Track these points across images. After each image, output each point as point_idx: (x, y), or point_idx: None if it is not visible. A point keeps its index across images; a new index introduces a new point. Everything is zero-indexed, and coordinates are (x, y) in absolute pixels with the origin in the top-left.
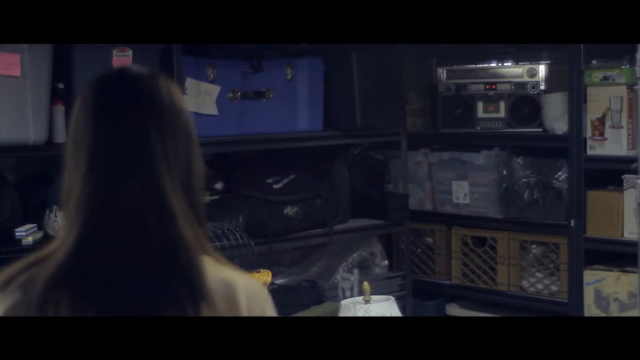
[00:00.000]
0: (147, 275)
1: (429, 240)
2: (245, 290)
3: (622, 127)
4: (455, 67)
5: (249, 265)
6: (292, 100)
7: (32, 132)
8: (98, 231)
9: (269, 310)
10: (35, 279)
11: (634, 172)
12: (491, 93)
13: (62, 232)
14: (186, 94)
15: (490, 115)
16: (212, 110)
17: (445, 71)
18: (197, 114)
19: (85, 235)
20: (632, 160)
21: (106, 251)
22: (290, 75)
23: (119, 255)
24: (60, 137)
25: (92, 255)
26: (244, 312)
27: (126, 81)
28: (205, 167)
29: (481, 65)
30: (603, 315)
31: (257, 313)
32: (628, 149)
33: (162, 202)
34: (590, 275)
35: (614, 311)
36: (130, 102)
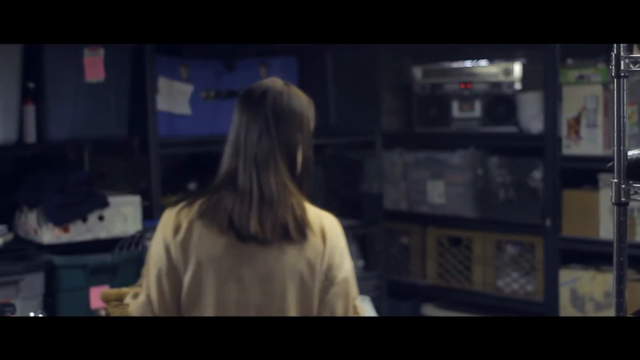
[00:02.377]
0: (266, 208)
1: (404, 240)
2: (328, 223)
3: (597, 126)
4: (430, 66)
5: None
6: None
7: (1, 133)
8: (231, 177)
9: (342, 241)
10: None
11: (610, 171)
12: (466, 92)
13: (222, 175)
14: (158, 93)
15: (466, 114)
16: (185, 109)
17: (420, 70)
18: (169, 114)
19: (230, 177)
20: (607, 159)
21: (243, 181)
22: (264, 74)
23: (253, 192)
24: (30, 137)
25: (238, 182)
26: (327, 240)
27: (259, 90)
28: (309, 152)
29: (456, 65)
30: (579, 314)
31: (336, 242)
32: (604, 148)
33: (275, 165)
34: (565, 275)
35: (590, 311)
36: (260, 105)
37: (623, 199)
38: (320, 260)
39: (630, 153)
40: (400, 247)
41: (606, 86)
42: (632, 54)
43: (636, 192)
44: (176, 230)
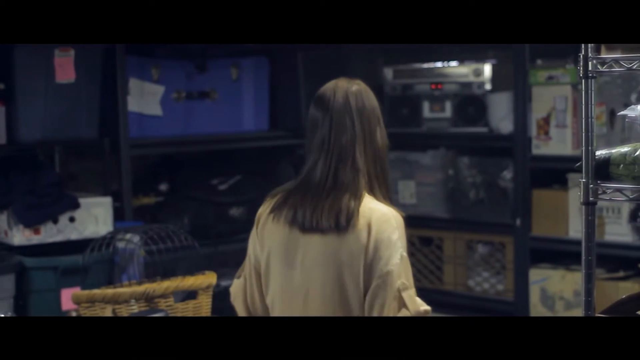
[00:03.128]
0: (331, 200)
1: None
2: (377, 217)
3: (566, 127)
4: (401, 67)
5: (194, 267)
6: (238, 101)
7: None
8: (307, 173)
9: (394, 235)
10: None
11: (579, 171)
12: (437, 93)
13: (305, 171)
14: (129, 94)
15: (436, 115)
16: (156, 110)
17: (391, 71)
18: (140, 115)
19: (302, 176)
20: (576, 159)
21: (310, 180)
22: (235, 75)
23: (320, 179)
24: (0, 138)
25: (305, 181)
26: (373, 233)
27: (341, 91)
28: (385, 141)
29: (427, 65)
30: (549, 313)
31: (383, 236)
32: (573, 148)
33: (354, 157)
34: (535, 274)
35: (560, 309)
36: (344, 105)
37: (591, 199)
38: (364, 252)
39: (598, 153)
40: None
41: (575, 87)
42: (599, 54)
43: (604, 192)
44: (257, 222)
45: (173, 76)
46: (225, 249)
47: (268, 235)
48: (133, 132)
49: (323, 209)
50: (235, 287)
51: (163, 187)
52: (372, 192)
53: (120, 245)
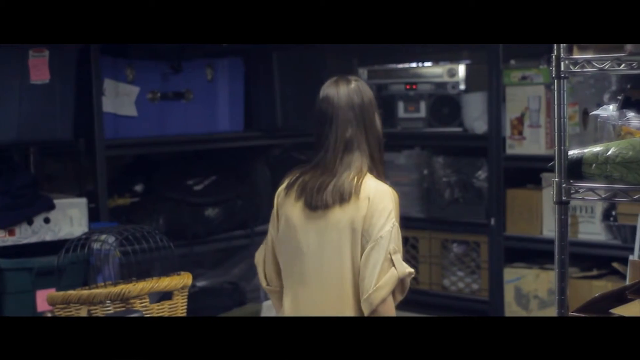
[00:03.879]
0: (336, 181)
1: None
2: (376, 191)
3: (540, 127)
4: (376, 67)
5: (169, 267)
6: (213, 101)
7: None
8: (319, 157)
9: (388, 207)
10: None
11: (552, 170)
12: (412, 93)
13: (317, 157)
14: (104, 94)
15: (411, 115)
16: (131, 111)
17: (366, 71)
18: (115, 115)
19: (315, 159)
20: (550, 158)
21: (321, 163)
22: (210, 75)
23: (328, 163)
24: None
25: (317, 165)
26: (371, 204)
27: (344, 86)
28: (381, 126)
29: (402, 66)
30: (523, 312)
31: (379, 207)
32: (546, 148)
33: (359, 144)
34: (510, 273)
35: (534, 308)
36: (348, 98)
37: (564, 198)
38: (362, 220)
39: (570, 153)
40: None
41: (548, 87)
42: (572, 55)
43: (577, 191)
44: (277, 197)
45: (148, 77)
46: (200, 249)
47: (283, 209)
48: (108, 133)
49: (327, 188)
50: (258, 254)
51: (138, 187)
52: (372, 172)
53: (96, 246)
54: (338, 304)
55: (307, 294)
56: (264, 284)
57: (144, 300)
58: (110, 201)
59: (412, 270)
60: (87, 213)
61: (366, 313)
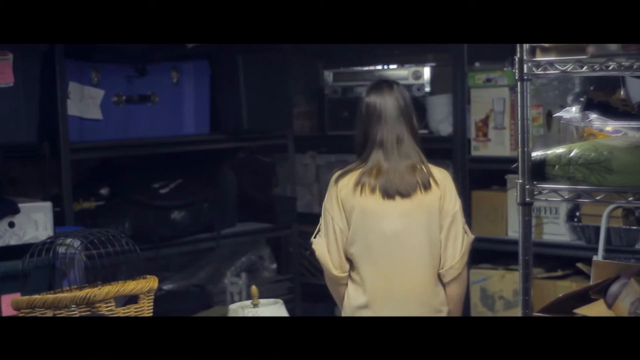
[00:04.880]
0: (399, 167)
1: None
2: (441, 176)
3: (505, 128)
4: (341, 69)
5: (135, 271)
6: (178, 104)
7: None
8: (379, 152)
9: (453, 185)
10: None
11: (516, 172)
12: None
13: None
14: (69, 98)
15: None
16: (96, 114)
17: (331, 74)
18: (80, 119)
19: (374, 154)
20: (515, 160)
21: (383, 157)
22: (175, 78)
23: (392, 156)
24: None
25: (379, 158)
26: (441, 187)
27: (387, 82)
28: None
29: (367, 68)
30: (489, 313)
31: (448, 187)
32: (511, 150)
33: (408, 134)
34: (476, 274)
35: (500, 309)
36: (390, 92)
37: (527, 199)
38: (439, 200)
39: (534, 154)
40: (313, 250)
41: (513, 89)
42: (535, 57)
43: (540, 193)
44: (337, 196)
45: (113, 80)
46: (167, 252)
47: (353, 202)
48: (73, 137)
49: (404, 177)
50: (319, 246)
51: (104, 191)
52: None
53: (61, 250)
54: (425, 277)
55: (393, 273)
56: (336, 272)
57: (109, 304)
58: (76, 205)
59: (473, 236)
60: (52, 217)
61: (450, 278)
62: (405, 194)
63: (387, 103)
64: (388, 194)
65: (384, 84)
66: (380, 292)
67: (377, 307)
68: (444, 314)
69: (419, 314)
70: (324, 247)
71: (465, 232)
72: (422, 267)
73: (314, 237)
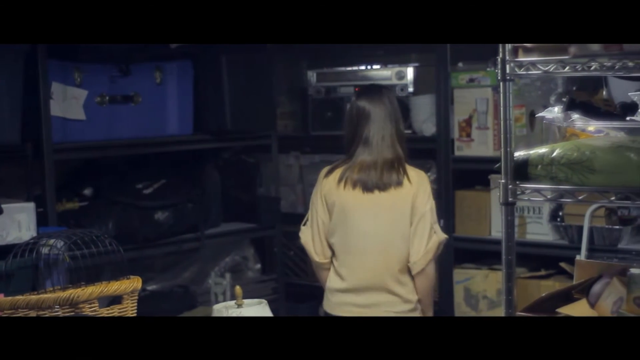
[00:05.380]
0: (386, 169)
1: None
2: (416, 175)
3: (488, 129)
4: (325, 70)
5: (119, 272)
6: (162, 104)
7: None
8: (364, 151)
9: (428, 187)
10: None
11: (499, 172)
12: None
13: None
14: (52, 98)
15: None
16: (80, 115)
17: (315, 74)
18: (63, 119)
19: (360, 152)
20: (498, 160)
21: (368, 155)
22: (159, 78)
23: (376, 154)
24: None
25: (363, 156)
26: (415, 186)
27: (376, 86)
28: (403, 129)
29: (351, 68)
30: (472, 312)
31: (421, 188)
32: (494, 150)
33: (394, 134)
34: (459, 274)
35: (483, 308)
36: (379, 96)
37: (510, 199)
38: (411, 199)
39: (517, 154)
40: (297, 250)
41: (495, 89)
42: (517, 58)
43: (523, 192)
44: (321, 190)
45: (96, 80)
46: (150, 253)
47: (334, 197)
48: (56, 137)
49: (382, 175)
50: (304, 234)
51: (87, 191)
52: (405, 161)
53: (44, 250)
54: (395, 267)
55: (366, 263)
56: (318, 259)
57: (93, 305)
58: (59, 205)
59: (446, 236)
60: (35, 217)
61: (415, 272)
62: (382, 189)
63: (376, 106)
64: (367, 188)
65: (374, 88)
66: (357, 279)
67: (354, 293)
68: (412, 304)
69: (392, 302)
70: (309, 235)
71: (435, 232)
72: (393, 258)
73: (303, 225)
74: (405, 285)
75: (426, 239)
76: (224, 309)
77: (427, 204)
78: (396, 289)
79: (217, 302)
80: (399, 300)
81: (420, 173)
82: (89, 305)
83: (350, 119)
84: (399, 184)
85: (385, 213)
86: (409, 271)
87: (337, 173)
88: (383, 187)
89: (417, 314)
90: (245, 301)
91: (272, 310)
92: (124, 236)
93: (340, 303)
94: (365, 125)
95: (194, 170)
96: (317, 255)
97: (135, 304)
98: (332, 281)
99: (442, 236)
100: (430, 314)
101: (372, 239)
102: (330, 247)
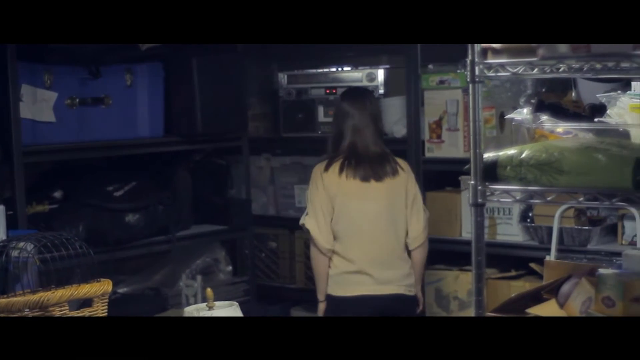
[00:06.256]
0: (371, 157)
1: (273, 244)
2: (405, 165)
3: (458, 130)
4: (295, 72)
5: (89, 274)
6: (132, 106)
7: None
8: (355, 146)
9: (412, 172)
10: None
11: (468, 173)
12: (331, 97)
13: (339, 150)
14: (21, 100)
15: (331, 119)
16: (49, 117)
17: (286, 76)
18: (33, 121)
19: (351, 147)
20: (468, 161)
21: (359, 149)
22: (129, 81)
23: (365, 149)
24: None
25: (355, 150)
26: (406, 173)
27: (359, 89)
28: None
29: (321, 70)
30: (444, 313)
31: (410, 175)
32: (464, 151)
33: (376, 131)
34: (430, 275)
35: (454, 309)
36: (362, 97)
37: (479, 200)
38: (406, 185)
39: (486, 155)
40: (268, 252)
41: (466, 91)
42: (486, 59)
43: (492, 194)
44: (321, 181)
45: (66, 82)
46: (121, 255)
47: (337, 187)
48: (26, 139)
49: (376, 166)
50: (310, 225)
51: (57, 194)
52: None
53: (14, 253)
54: (397, 246)
55: (373, 244)
56: (327, 245)
57: (63, 308)
58: (29, 208)
59: (428, 213)
60: (5, 220)
61: (416, 245)
62: (378, 179)
63: (358, 107)
64: (365, 179)
65: (357, 90)
66: (368, 260)
67: (366, 273)
68: (412, 278)
69: (399, 276)
70: (314, 224)
71: (424, 209)
72: (395, 238)
73: (303, 219)
74: (407, 261)
75: (422, 216)
76: (195, 311)
77: (415, 186)
78: (401, 264)
79: (188, 304)
80: (404, 275)
81: (405, 162)
82: (59, 308)
83: (336, 119)
84: (395, 173)
85: (384, 199)
86: (405, 247)
87: (336, 167)
88: (379, 177)
89: (416, 287)
90: (217, 303)
91: (244, 312)
92: (95, 239)
93: (354, 283)
94: (351, 123)
95: (165, 172)
96: (327, 243)
97: (106, 307)
98: (340, 266)
99: (427, 212)
100: (421, 282)
101: (376, 223)
102: (334, 234)
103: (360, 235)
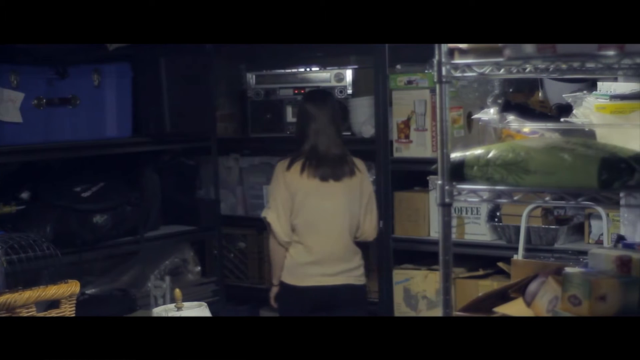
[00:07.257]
0: (331, 158)
1: (241, 245)
2: (360, 164)
3: (426, 130)
4: (264, 72)
5: (57, 276)
6: (100, 107)
7: None
8: (316, 147)
9: (367, 171)
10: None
11: (436, 173)
12: (300, 97)
13: (301, 150)
14: None
15: None
16: (16, 117)
17: (254, 76)
18: (0, 122)
19: (312, 148)
20: (436, 161)
21: (320, 151)
22: (97, 81)
23: (326, 150)
24: None
25: (317, 151)
26: (362, 173)
27: (321, 92)
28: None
29: (289, 70)
30: (412, 312)
31: (365, 174)
32: (432, 151)
33: (337, 133)
34: (399, 275)
35: (423, 308)
36: (323, 100)
37: (447, 200)
38: (360, 183)
39: (453, 155)
40: (237, 252)
41: (433, 91)
42: (453, 60)
43: (459, 193)
44: (283, 177)
45: (33, 82)
46: (89, 256)
47: (297, 185)
48: None
49: (335, 167)
50: (271, 217)
51: (24, 195)
52: None
53: None
54: (348, 241)
55: (329, 238)
56: (286, 238)
57: (30, 309)
58: None
59: None
60: None
61: (370, 239)
62: (336, 179)
63: (321, 109)
64: (324, 178)
65: (319, 92)
66: (323, 253)
67: (320, 265)
68: (362, 269)
69: (348, 268)
70: (275, 219)
71: (377, 208)
72: (349, 233)
73: (265, 212)
74: (357, 254)
75: (375, 213)
76: (164, 312)
77: (370, 186)
78: (354, 257)
79: (156, 305)
80: (355, 266)
81: (361, 162)
82: (26, 310)
83: (299, 120)
84: (352, 173)
85: (341, 197)
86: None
87: (298, 166)
88: (337, 177)
89: (364, 278)
90: (185, 304)
91: (212, 312)
92: (62, 240)
93: (308, 274)
94: (313, 125)
95: (133, 173)
96: (285, 236)
97: (74, 308)
98: (298, 256)
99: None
100: None
101: (332, 220)
102: (292, 228)
103: (318, 230)
